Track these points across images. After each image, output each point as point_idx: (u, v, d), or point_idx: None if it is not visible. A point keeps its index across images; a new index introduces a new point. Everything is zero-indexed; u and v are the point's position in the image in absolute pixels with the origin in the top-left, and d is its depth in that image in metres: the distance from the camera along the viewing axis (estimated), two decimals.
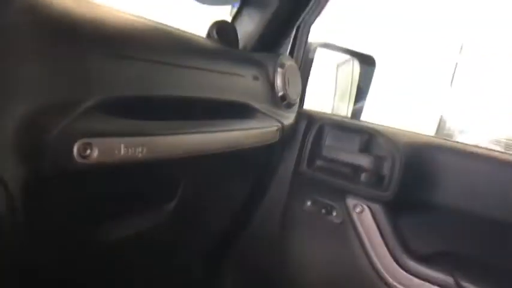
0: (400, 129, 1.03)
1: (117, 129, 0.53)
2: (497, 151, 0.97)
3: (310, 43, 1.09)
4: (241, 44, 0.98)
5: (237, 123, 0.79)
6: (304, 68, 1.09)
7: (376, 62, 1.23)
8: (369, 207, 0.96)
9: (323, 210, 1.02)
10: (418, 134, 1.03)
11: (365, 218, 0.97)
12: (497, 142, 4.83)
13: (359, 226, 0.98)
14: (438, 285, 0.88)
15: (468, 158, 0.95)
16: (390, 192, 0.93)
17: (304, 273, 1.07)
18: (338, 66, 1.41)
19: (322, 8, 1.02)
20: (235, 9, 1.02)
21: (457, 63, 5.28)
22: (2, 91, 0.43)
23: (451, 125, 5.03)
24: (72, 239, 0.61)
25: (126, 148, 0.52)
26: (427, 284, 0.89)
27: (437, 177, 0.96)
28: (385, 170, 0.95)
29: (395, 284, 0.93)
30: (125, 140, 0.52)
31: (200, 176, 0.83)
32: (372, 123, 1.05)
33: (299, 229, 1.06)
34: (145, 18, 0.72)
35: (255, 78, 0.89)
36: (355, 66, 1.27)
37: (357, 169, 0.98)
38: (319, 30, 1.08)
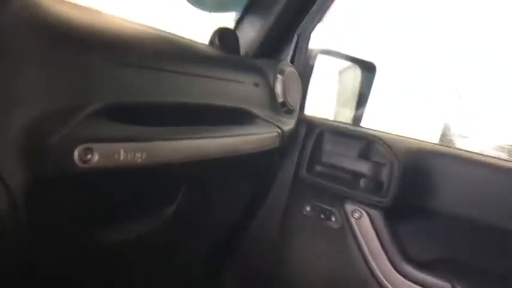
0: (399, 136, 1.04)
1: (118, 134, 0.54)
2: (496, 157, 0.97)
3: (311, 50, 1.10)
4: (242, 50, 1.00)
5: (236, 129, 0.80)
6: (305, 74, 1.10)
7: (377, 68, 1.24)
8: (367, 213, 0.97)
9: (322, 216, 1.03)
10: (417, 140, 1.04)
11: (363, 223, 0.98)
12: (502, 148, 4.81)
13: (357, 232, 0.98)
14: None
15: (467, 164, 0.96)
16: (388, 199, 0.93)
17: (303, 278, 1.08)
18: (340, 72, 1.42)
19: (323, 15, 1.04)
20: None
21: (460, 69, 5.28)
22: (6, 96, 0.44)
23: (455, 130, 5.00)
24: (72, 240, 0.63)
25: (125, 153, 0.53)
26: None
27: (436, 184, 0.96)
28: (384, 176, 0.95)
29: None
30: (124, 145, 0.53)
31: (200, 180, 0.84)
32: (372, 129, 1.06)
33: (298, 234, 1.07)
34: (148, 26, 0.74)
35: (256, 84, 0.90)
36: (356, 72, 1.28)
37: (356, 175, 0.98)
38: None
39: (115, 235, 0.70)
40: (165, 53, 0.71)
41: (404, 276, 0.93)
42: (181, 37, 0.80)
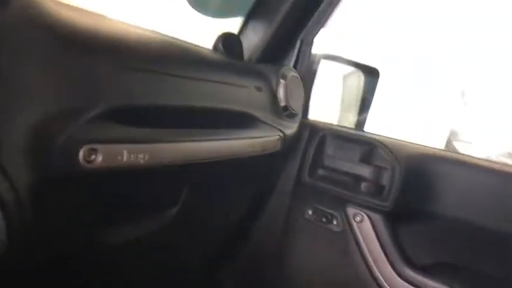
0: (400, 140, 1.04)
1: (121, 136, 0.55)
2: (497, 162, 0.98)
3: (314, 55, 1.12)
4: (246, 55, 1.01)
5: (239, 132, 0.82)
6: (308, 79, 1.12)
7: (380, 73, 1.25)
8: (368, 216, 0.98)
9: (324, 219, 1.03)
10: (419, 145, 1.04)
11: (365, 227, 0.98)
12: (510, 155, 4.78)
13: (359, 235, 0.99)
14: None
15: (468, 169, 0.96)
16: (390, 202, 0.94)
17: (304, 281, 1.08)
18: (344, 77, 1.43)
19: (326, 21, 1.05)
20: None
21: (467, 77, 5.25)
22: (14, 98, 0.46)
23: (461, 137, 4.97)
24: (74, 241, 0.64)
25: (129, 154, 0.54)
26: None
27: (438, 188, 0.96)
28: (385, 180, 0.96)
29: None
30: (128, 146, 0.55)
31: (202, 183, 0.86)
32: (374, 134, 1.07)
33: (300, 237, 1.07)
34: (152, 30, 0.76)
35: (258, 89, 0.91)
36: (360, 77, 1.29)
37: (357, 179, 0.99)
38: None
39: (117, 236, 0.71)
40: (169, 57, 0.72)
41: (405, 280, 0.93)
42: (185, 42, 0.81)
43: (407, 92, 5.05)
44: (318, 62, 1.13)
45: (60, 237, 0.60)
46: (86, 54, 0.55)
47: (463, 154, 1.03)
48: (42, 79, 0.49)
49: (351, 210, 1.00)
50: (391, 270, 0.95)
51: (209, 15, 1.02)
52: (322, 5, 1.02)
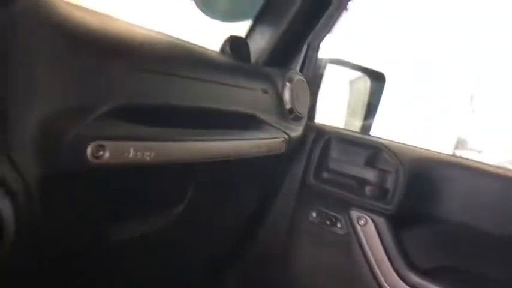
0: (405, 144, 1.05)
1: (128, 133, 0.57)
2: (501, 167, 0.98)
3: (321, 59, 1.13)
4: (253, 58, 1.02)
5: (244, 133, 0.83)
6: (314, 83, 1.13)
7: (386, 78, 1.26)
8: (372, 219, 0.98)
9: (328, 222, 1.04)
10: (423, 149, 1.05)
11: (368, 230, 0.99)
12: None
13: (362, 238, 1.00)
14: None
15: (472, 173, 0.97)
16: (393, 206, 0.94)
17: (308, 282, 1.09)
18: (350, 82, 1.44)
19: (332, 26, 1.06)
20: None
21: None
22: (26, 95, 0.48)
23: (471, 146, 4.92)
24: (83, 236, 0.66)
25: (135, 151, 0.56)
26: None
27: (442, 192, 0.97)
28: (389, 183, 0.97)
29: None
30: (134, 143, 0.56)
31: (208, 182, 0.87)
32: (378, 138, 1.07)
33: (304, 239, 1.08)
34: (160, 32, 0.78)
35: (264, 91, 0.93)
36: (366, 82, 1.30)
37: (362, 182, 1.00)
38: None
39: (123, 233, 0.73)
40: (176, 59, 0.74)
41: (408, 284, 0.94)
42: (193, 44, 0.83)
43: (418, 98, 5.02)
44: (324, 66, 1.14)
45: (68, 233, 0.62)
46: (95, 54, 0.57)
47: (467, 159, 1.04)
48: (52, 77, 0.50)
49: (354, 214, 1.00)
50: (394, 273, 0.96)
51: (217, 19, 1.04)
52: (329, 10, 1.04)
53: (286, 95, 0.97)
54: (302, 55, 1.08)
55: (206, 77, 0.77)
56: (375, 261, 0.98)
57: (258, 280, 1.15)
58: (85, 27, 0.57)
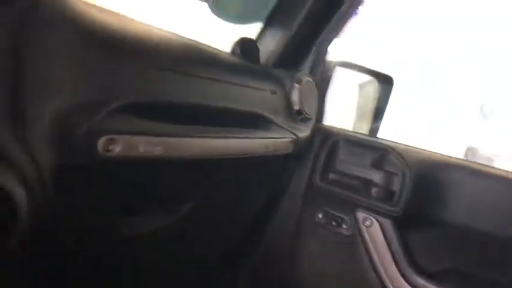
0: (412, 147, 1.06)
1: (139, 128, 0.59)
2: (508, 171, 0.98)
3: (330, 62, 1.14)
4: (263, 60, 1.04)
5: (252, 132, 0.85)
6: (323, 85, 1.14)
7: (394, 81, 1.27)
8: (378, 221, 0.99)
9: (333, 223, 1.05)
10: (430, 151, 1.05)
11: (374, 231, 0.99)
12: None
13: (368, 240, 1.00)
14: None
15: (479, 176, 0.97)
16: (399, 208, 0.95)
17: (314, 282, 1.10)
18: (360, 85, 1.45)
19: (341, 29, 1.08)
20: None
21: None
22: (42, 90, 0.50)
23: (482, 153, 4.84)
24: (93, 229, 0.68)
25: (145, 146, 0.58)
26: None
27: (448, 195, 0.97)
28: (396, 185, 0.97)
29: None
30: (145, 138, 0.58)
31: (217, 181, 0.89)
32: (385, 140, 1.08)
33: (310, 239, 1.09)
34: (172, 32, 0.80)
35: (273, 92, 0.94)
36: (374, 85, 1.31)
37: (368, 184, 1.01)
38: None
39: (133, 227, 0.75)
40: (188, 58, 0.76)
41: (413, 286, 0.94)
42: (204, 44, 0.85)
43: (422, 99, 4.97)
44: (333, 69, 1.15)
45: (79, 224, 0.64)
46: (108, 51, 0.59)
47: (474, 162, 1.04)
48: (68, 74, 0.52)
49: (360, 215, 1.01)
50: (399, 275, 0.96)
51: (230, 21, 1.05)
52: (339, 13, 1.05)
53: (295, 96, 0.98)
54: (311, 57, 1.10)
55: (216, 77, 0.79)
56: (380, 262, 0.99)
57: (264, 279, 1.16)
58: (99, 25, 0.59)
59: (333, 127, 1.13)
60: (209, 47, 0.87)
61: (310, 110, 1.03)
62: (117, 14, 0.69)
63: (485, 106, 5.14)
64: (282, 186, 1.10)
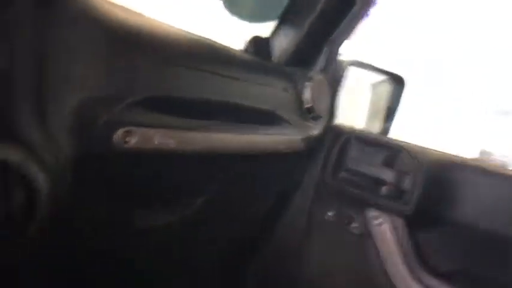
0: (423, 147, 1.06)
1: (155, 122, 0.61)
2: None
3: (342, 61, 1.15)
4: (276, 58, 1.05)
5: (264, 129, 0.86)
6: (335, 84, 1.14)
7: (405, 82, 1.26)
8: (388, 220, 0.99)
9: (344, 221, 1.05)
10: (442, 152, 1.05)
11: (384, 230, 1.00)
12: None
13: (378, 238, 1.00)
14: None
15: (491, 178, 0.97)
16: (410, 207, 0.95)
17: (324, 280, 1.10)
18: (373, 86, 1.45)
19: (353, 29, 1.08)
20: None
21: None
22: (64, 84, 0.52)
23: (494, 153, 4.76)
24: (108, 220, 0.70)
25: (160, 138, 0.60)
26: None
27: (459, 195, 0.97)
28: (407, 184, 0.97)
29: None
30: (159, 131, 0.61)
31: (228, 177, 0.90)
32: (397, 139, 1.08)
33: (320, 237, 1.10)
34: (187, 31, 0.82)
35: (285, 90, 0.95)
36: (386, 85, 1.31)
37: (379, 182, 1.01)
38: None
39: (146, 220, 0.77)
40: (202, 56, 0.78)
41: (423, 286, 0.94)
42: (218, 42, 0.87)
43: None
44: (345, 68, 1.15)
45: (95, 214, 0.66)
46: (128, 48, 0.61)
47: (487, 163, 1.04)
48: (89, 69, 0.55)
49: (371, 213, 1.02)
50: (409, 274, 0.96)
51: (244, 20, 1.07)
52: (351, 13, 1.06)
53: (306, 94, 0.99)
54: (323, 56, 1.10)
55: (229, 74, 0.80)
56: (390, 261, 0.99)
57: (275, 276, 1.17)
58: (119, 23, 0.61)
59: (344, 125, 1.14)
60: (223, 45, 0.89)
61: (322, 108, 1.03)
62: (136, 13, 0.71)
63: (498, 108, 5.07)
64: (293, 184, 1.11)
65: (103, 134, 0.54)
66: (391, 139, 1.11)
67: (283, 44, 1.06)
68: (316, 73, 1.04)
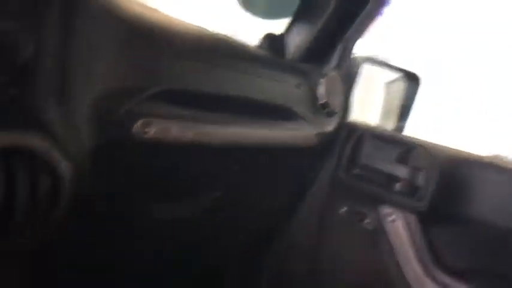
0: (438, 144, 1.05)
1: (172, 114, 0.63)
2: None
3: (356, 58, 1.15)
4: (290, 54, 1.06)
5: (277, 124, 0.87)
6: (348, 80, 1.15)
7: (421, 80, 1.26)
8: (402, 216, 0.99)
9: (357, 217, 1.06)
10: (457, 149, 1.05)
11: (398, 227, 1.00)
12: None
13: (391, 235, 1.00)
14: None
15: (506, 175, 0.96)
16: (424, 204, 0.95)
17: (336, 275, 1.11)
18: (387, 84, 1.44)
19: (367, 27, 1.08)
20: None
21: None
22: (86, 76, 0.54)
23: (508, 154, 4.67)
24: (126, 208, 0.72)
25: (177, 130, 0.63)
26: None
27: (474, 193, 0.96)
28: (421, 181, 0.97)
29: None
30: (177, 122, 0.63)
31: (244, 170, 0.91)
32: (411, 136, 1.08)
33: (333, 233, 1.10)
34: (203, 27, 0.83)
35: (298, 86, 0.96)
36: (401, 83, 1.30)
37: (393, 179, 1.01)
38: None
39: (164, 212, 0.78)
40: (218, 51, 0.79)
41: (436, 283, 0.94)
42: (233, 38, 0.88)
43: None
44: (359, 65, 1.16)
45: (114, 203, 0.68)
46: (148, 44, 0.63)
47: (501, 160, 1.03)
48: (110, 63, 0.57)
49: (384, 210, 1.02)
50: (423, 271, 0.96)
51: (259, 17, 1.08)
52: (366, 10, 1.06)
53: (320, 90, 1.00)
54: (337, 53, 1.11)
55: (243, 69, 0.82)
56: (403, 258, 0.99)
57: (287, 271, 1.18)
58: (139, 20, 0.63)
59: (358, 122, 1.14)
60: (238, 41, 0.90)
61: (336, 104, 1.04)
62: (155, 10, 0.73)
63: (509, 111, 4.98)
64: (307, 179, 1.11)
65: (123, 124, 0.57)
66: (405, 136, 1.11)
67: (297, 41, 1.07)
68: (330, 70, 1.05)
